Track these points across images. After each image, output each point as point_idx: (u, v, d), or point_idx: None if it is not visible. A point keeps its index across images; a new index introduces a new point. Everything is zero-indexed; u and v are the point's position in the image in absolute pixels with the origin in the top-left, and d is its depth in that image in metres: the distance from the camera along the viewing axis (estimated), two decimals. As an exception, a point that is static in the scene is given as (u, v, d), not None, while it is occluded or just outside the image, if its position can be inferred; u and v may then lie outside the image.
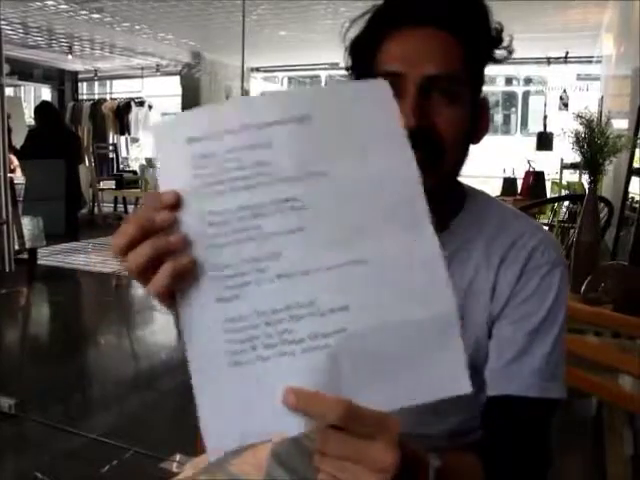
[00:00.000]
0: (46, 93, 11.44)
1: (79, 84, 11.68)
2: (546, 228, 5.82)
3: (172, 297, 0.53)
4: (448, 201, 0.84)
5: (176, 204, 0.53)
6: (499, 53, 0.82)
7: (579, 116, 2.17)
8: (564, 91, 8.34)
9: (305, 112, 0.53)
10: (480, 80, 0.83)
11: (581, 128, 2.14)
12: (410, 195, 0.54)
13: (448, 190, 0.83)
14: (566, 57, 7.92)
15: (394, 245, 0.53)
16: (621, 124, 4.18)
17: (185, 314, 0.53)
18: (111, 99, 10.90)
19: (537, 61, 8.26)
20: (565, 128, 2.23)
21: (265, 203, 0.52)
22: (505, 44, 0.82)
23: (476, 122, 0.83)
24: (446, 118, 0.77)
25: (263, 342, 0.51)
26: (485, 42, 0.81)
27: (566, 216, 5.29)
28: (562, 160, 6.62)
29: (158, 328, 4.63)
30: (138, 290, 5.85)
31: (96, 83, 11.92)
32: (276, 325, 0.51)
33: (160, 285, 0.52)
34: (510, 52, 0.83)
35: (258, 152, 0.52)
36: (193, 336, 0.52)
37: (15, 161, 6.43)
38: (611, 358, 1.52)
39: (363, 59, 0.81)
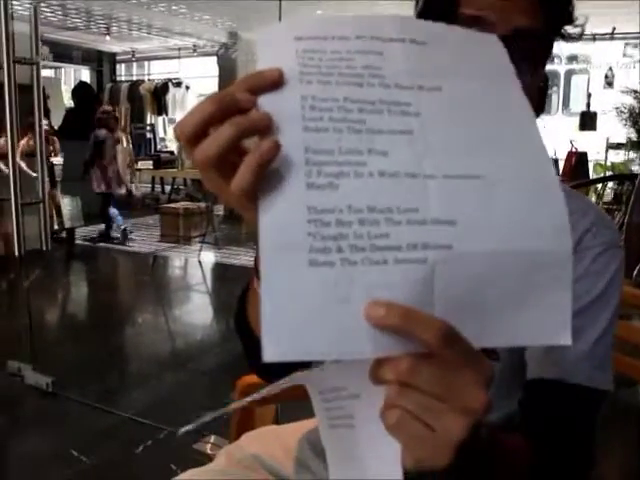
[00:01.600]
0: (85, 75, 11.54)
1: (117, 65, 11.76)
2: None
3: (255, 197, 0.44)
4: None
5: (279, 81, 0.45)
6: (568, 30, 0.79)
7: (634, 91, 2.06)
8: (610, 69, 8.06)
9: (422, 39, 0.51)
10: (550, 52, 0.78)
11: (635, 103, 2.03)
12: (524, 119, 0.50)
13: None
14: (612, 33, 7.64)
15: (509, 165, 0.47)
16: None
17: (266, 201, 0.43)
18: (148, 80, 10.95)
19: (582, 37, 8.00)
20: (616, 103, 2.13)
21: (374, 101, 0.47)
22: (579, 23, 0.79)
23: (542, 97, 0.79)
24: (524, 82, 0.71)
25: (351, 243, 0.43)
26: (562, 14, 0.77)
27: (611, 197, 5.13)
28: (608, 140, 6.40)
29: (194, 308, 4.65)
30: (175, 270, 5.89)
31: (134, 64, 11.98)
32: (371, 226, 0.43)
33: (246, 180, 0.42)
34: (581, 33, 0.80)
35: (369, 57, 0.49)
36: (271, 224, 0.43)
37: (57, 143, 6.50)
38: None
39: (439, 10, 0.73)
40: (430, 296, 0.44)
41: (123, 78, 11.74)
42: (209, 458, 1.06)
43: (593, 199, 5.53)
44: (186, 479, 0.96)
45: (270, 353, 0.43)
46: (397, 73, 0.49)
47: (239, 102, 0.44)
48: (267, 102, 0.46)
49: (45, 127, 3.79)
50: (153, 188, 9.95)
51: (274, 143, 0.42)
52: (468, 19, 0.70)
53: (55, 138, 6.49)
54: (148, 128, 10.82)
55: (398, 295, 0.43)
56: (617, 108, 1.87)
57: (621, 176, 4.62)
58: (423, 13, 0.77)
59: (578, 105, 8.33)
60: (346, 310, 0.43)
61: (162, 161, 8.56)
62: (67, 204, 5.97)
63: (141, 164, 9.22)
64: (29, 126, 3.16)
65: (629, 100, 1.91)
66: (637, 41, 7.60)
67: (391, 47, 0.50)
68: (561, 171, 6.32)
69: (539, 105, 0.78)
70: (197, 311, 4.60)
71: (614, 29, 7.51)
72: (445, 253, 0.43)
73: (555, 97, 11.95)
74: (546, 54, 0.77)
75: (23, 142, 4.21)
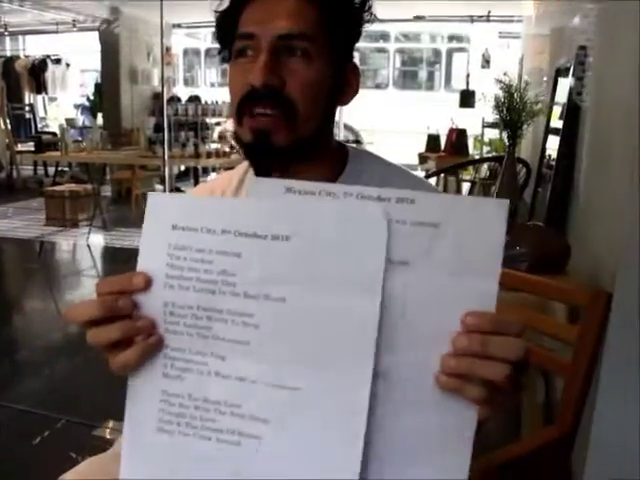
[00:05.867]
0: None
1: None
2: (468, 185, 6.02)
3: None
4: (328, 160, 0.88)
5: (145, 287, 0.59)
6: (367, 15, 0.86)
7: (499, 81, 2.23)
8: (486, 49, 8.47)
9: (286, 232, 0.56)
10: (342, 42, 0.85)
11: (501, 93, 2.21)
12: (361, 342, 0.55)
13: (319, 149, 0.85)
14: (488, 16, 8.01)
15: (328, 385, 0.56)
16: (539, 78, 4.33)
17: (134, 379, 0.61)
18: (25, 56, 10.38)
19: (460, 19, 8.33)
20: (485, 92, 2.30)
21: (222, 310, 0.58)
22: (369, 6, 0.85)
23: (341, 84, 0.86)
24: (299, 77, 0.79)
25: (188, 422, 0.60)
26: (342, 5, 0.83)
27: (487, 173, 5.52)
28: (483, 119, 6.79)
29: (86, 292, 4.54)
30: (63, 254, 5.71)
31: (7, 39, 11.29)
32: (203, 412, 0.59)
33: (132, 361, 0.60)
34: (371, 15, 0.86)
35: (228, 260, 0.57)
36: (134, 398, 0.62)
37: None
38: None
39: (228, 30, 0.84)
40: (244, 474, 0.58)
41: (-4, 54, 11.05)
42: (109, 443, 1.10)
43: (472, 174, 5.89)
44: (85, 468, 0.99)
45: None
46: (248, 279, 0.57)
47: (118, 307, 0.59)
48: (143, 301, 0.59)
49: None
50: (35, 171, 9.51)
51: (153, 341, 0.60)
52: (243, 36, 0.80)
53: None
54: (27, 108, 10.29)
55: (217, 468, 0.59)
56: (484, 96, 2.05)
57: (494, 158, 5.03)
58: (216, 34, 0.87)
59: (459, 82, 8.63)
60: (186, 469, 0.60)
61: (44, 143, 8.19)
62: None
63: (21, 146, 8.80)
64: None
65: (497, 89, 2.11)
66: (511, 23, 8.00)
67: (251, 247, 0.56)
68: (443, 146, 6.64)
69: (347, 90, 0.87)
70: (88, 296, 4.41)
71: (489, 12, 7.88)
72: (255, 442, 0.58)
73: (438, 74, 12.37)
74: (329, 48, 0.82)
75: None
